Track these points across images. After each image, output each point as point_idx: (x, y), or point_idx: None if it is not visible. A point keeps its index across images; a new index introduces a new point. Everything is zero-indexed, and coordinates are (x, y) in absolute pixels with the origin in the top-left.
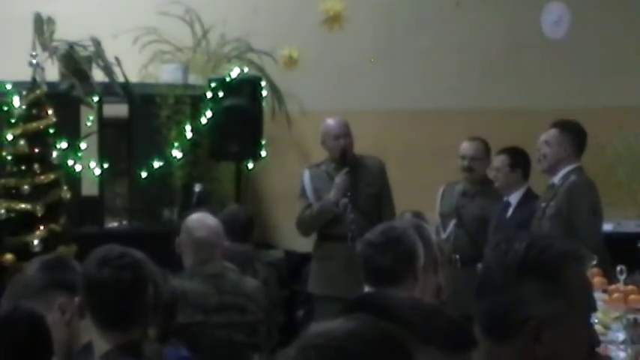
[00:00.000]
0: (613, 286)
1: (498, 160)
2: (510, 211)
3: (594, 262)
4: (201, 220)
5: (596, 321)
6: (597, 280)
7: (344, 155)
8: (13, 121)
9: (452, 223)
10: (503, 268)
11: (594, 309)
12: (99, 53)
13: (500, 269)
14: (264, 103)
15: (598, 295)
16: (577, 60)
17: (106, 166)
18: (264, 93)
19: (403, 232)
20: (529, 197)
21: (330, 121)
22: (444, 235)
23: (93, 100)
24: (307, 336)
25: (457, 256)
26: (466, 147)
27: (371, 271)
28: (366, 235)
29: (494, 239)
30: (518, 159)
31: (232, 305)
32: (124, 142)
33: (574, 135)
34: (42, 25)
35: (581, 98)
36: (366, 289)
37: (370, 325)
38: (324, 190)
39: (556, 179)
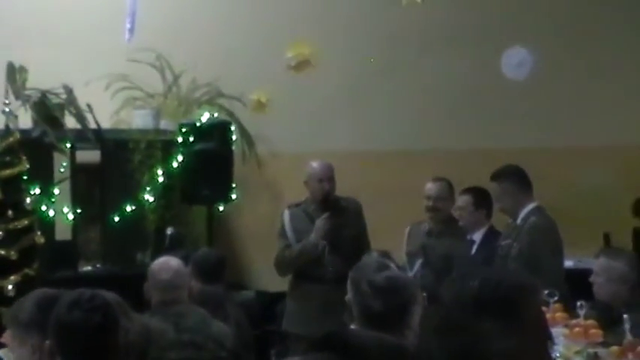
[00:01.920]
0: (574, 321)
1: (462, 200)
2: (474, 248)
3: (556, 298)
4: (164, 263)
5: (557, 355)
6: (559, 315)
7: (326, 198)
8: None
9: (418, 262)
10: (460, 306)
11: (551, 339)
12: (71, 100)
13: (456, 307)
14: (234, 147)
15: (560, 330)
16: (538, 101)
17: (79, 210)
18: (234, 137)
19: (407, 284)
20: (492, 235)
21: (315, 164)
22: (410, 274)
23: (66, 147)
24: None
25: (424, 294)
26: (431, 187)
27: (362, 311)
28: (370, 273)
29: (449, 278)
30: (482, 198)
31: (190, 343)
32: (96, 186)
33: (516, 178)
34: (14, 74)
35: (543, 138)
36: (353, 326)
37: None
38: (304, 231)
39: (518, 220)
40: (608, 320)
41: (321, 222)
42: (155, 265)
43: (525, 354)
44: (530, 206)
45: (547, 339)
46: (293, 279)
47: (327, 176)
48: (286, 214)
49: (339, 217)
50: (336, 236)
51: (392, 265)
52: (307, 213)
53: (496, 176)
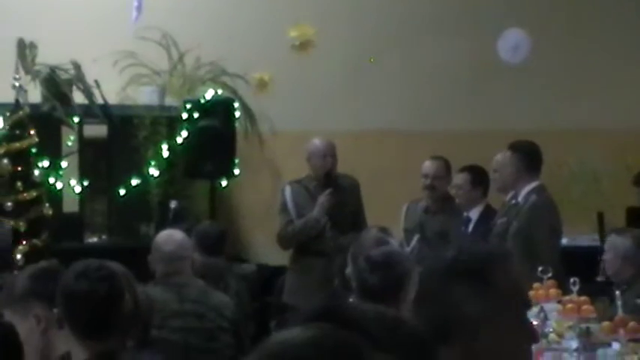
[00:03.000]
0: (567, 297)
1: (460, 178)
2: (471, 226)
3: (549, 275)
4: (169, 235)
5: (550, 330)
6: (552, 291)
7: (329, 175)
8: None
9: (415, 238)
10: (436, 275)
11: (528, 306)
12: (79, 76)
13: (433, 277)
14: (237, 124)
15: (553, 306)
16: (535, 84)
17: (85, 184)
18: (237, 114)
19: (403, 260)
20: (488, 213)
21: (318, 142)
22: (407, 249)
23: (73, 121)
24: (265, 344)
25: (420, 269)
26: (428, 166)
27: (359, 285)
28: (368, 248)
29: (434, 253)
30: (479, 177)
31: (191, 312)
32: (103, 161)
33: (526, 155)
34: (24, 50)
35: (539, 120)
36: (351, 299)
37: (329, 333)
38: (305, 207)
39: (519, 198)
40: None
41: (323, 198)
42: (160, 238)
43: (500, 318)
44: (533, 185)
45: (524, 306)
46: (294, 253)
47: (331, 153)
48: (287, 190)
49: (339, 194)
50: (337, 212)
51: (392, 240)
52: (308, 189)
53: (512, 146)
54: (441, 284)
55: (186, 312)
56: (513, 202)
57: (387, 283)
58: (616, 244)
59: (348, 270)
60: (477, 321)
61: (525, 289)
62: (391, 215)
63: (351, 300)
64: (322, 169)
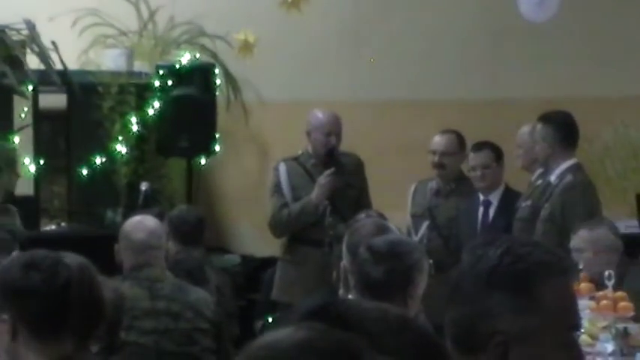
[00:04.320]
0: (601, 293)
1: (483, 156)
2: (492, 211)
3: (580, 267)
4: (139, 222)
5: (582, 330)
6: (584, 286)
7: (331, 154)
8: None
9: (424, 225)
10: (474, 275)
11: (576, 328)
12: (33, 37)
13: (470, 277)
14: (217, 93)
15: (585, 303)
16: (562, 46)
17: (41, 162)
18: (218, 81)
19: (412, 248)
20: (510, 195)
21: (321, 115)
22: (416, 238)
23: (27, 90)
24: (250, 348)
25: (430, 261)
26: (437, 141)
27: (361, 279)
28: (369, 236)
29: (473, 242)
30: (500, 153)
31: (165, 311)
32: (61, 136)
33: (561, 128)
34: None
35: (566, 88)
36: (350, 296)
37: (322, 335)
38: (302, 188)
39: (552, 177)
40: None
41: (325, 179)
42: (128, 224)
43: (537, 339)
44: (569, 163)
45: (572, 328)
46: (287, 242)
47: (336, 130)
48: (282, 168)
49: (342, 175)
50: (339, 196)
51: (392, 227)
52: (306, 168)
53: (544, 118)
54: (476, 287)
55: (158, 311)
56: (539, 181)
57: (393, 277)
58: (592, 239)
59: (344, 262)
60: (510, 338)
61: (576, 310)
62: (396, 197)
63: (350, 297)
64: (324, 146)
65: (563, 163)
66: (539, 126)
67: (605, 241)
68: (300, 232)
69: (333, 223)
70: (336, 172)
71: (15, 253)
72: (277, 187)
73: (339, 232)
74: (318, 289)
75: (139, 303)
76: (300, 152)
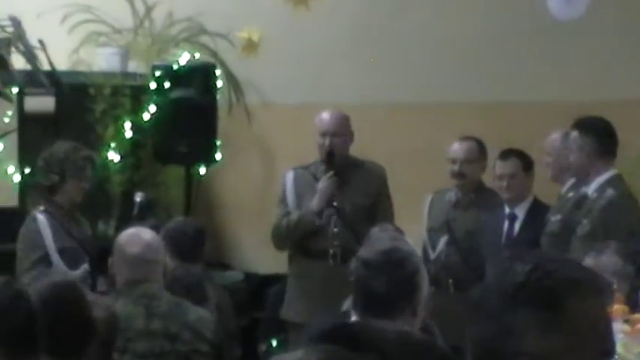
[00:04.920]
0: (637, 315)
1: (510, 165)
2: (517, 226)
3: (614, 287)
4: (135, 234)
5: (615, 357)
6: (618, 308)
7: (330, 157)
8: None
9: (442, 240)
10: (499, 292)
11: (610, 353)
12: (19, 35)
13: (495, 293)
14: (218, 95)
15: (618, 326)
16: (591, 45)
17: (27, 171)
18: (219, 83)
19: (408, 254)
20: (538, 208)
21: (323, 115)
22: (433, 255)
23: (12, 92)
24: None
25: (450, 280)
26: (457, 149)
27: (362, 297)
28: (361, 251)
29: (498, 258)
30: (529, 162)
31: (161, 332)
32: (49, 141)
33: (600, 136)
34: None
35: (596, 89)
36: (354, 317)
37: (338, 358)
38: (309, 197)
39: (589, 190)
40: None
41: (323, 183)
42: (122, 237)
43: None
44: (609, 174)
45: (605, 354)
46: (291, 254)
47: (333, 129)
48: (290, 176)
49: (351, 180)
50: (346, 203)
51: (409, 242)
52: (315, 176)
53: (581, 125)
54: (501, 304)
55: (154, 331)
56: (571, 194)
57: (396, 287)
58: (597, 266)
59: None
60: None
61: (609, 334)
62: (411, 210)
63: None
64: (321, 148)
65: (601, 175)
66: (574, 134)
67: (611, 269)
68: (304, 243)
69: (340, 233)
70: (340, 176)
71: None
72: (282, 196)
73: (346, 244)
74: (322, 305)
75: (133, 322)
76: (313, 161)
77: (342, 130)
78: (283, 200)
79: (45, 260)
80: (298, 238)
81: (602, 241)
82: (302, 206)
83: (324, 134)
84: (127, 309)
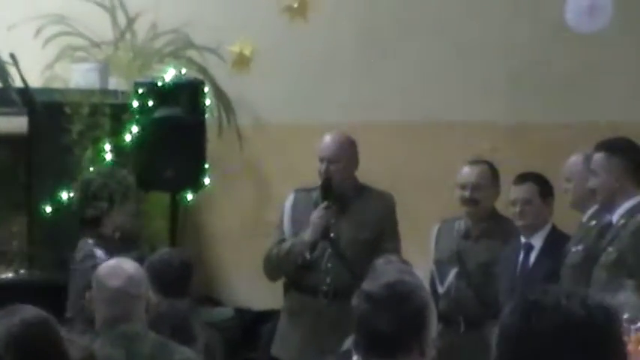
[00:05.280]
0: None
1: (525, 190)
2: (533, 256)
3: (639, 325)
4: (115, 266)
5: None
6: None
7: (326, 185)
8: None
9: (452, 273)
10: (535, 337)
11: None
12: None
13: (529, 338)
14: (207, 115)
15: None
16: (613, 61)
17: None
18: (208, 101)
19: (415, 288)
20: (557, 238)
21: (325, 137)
22: (441, 289)
23: None
24: None
25: (460, 317)
26: (467, 173)
27: (364, 335)
28: (365, 284)
29: (514, 297)
30: (548, 186)
31: None
32: (21, 165)
33: (629, 159)
34: None
35: (624, 109)
36: (355, 358)
37: None
38: (307, 224)
39: (614, 217)
40: None
41: (317, 214)
42: (102, 269)
43: None
44: (636, 200)
45: None
46: (285, 288)
47: (329, 155)
48: (289, 199)
49: (350, 210)
50: (344, 236)
51: (418, 273)
52: (317, 201)
53: (606, 146)
54: (544, 351)
55: None
56: (593, 222)
57: (403, 324)
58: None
59: None
60: None
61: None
62: (416, 239)
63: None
64: (319, 174)
65: (628, 200)
66: (600, 156)
67: (627, 312)
68: (296, 276)
69: (333, 269)
70: (338, 207)
71: None
72: (280, 221)
73: (339, 280)
74: (314, 343)
75: None
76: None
77: (341, 156)
78: (280, 226)
79: None
80: (291, 271)
81: (631, 269)
82: (298, 234)
83: (321, 160)
84: (106, 351)
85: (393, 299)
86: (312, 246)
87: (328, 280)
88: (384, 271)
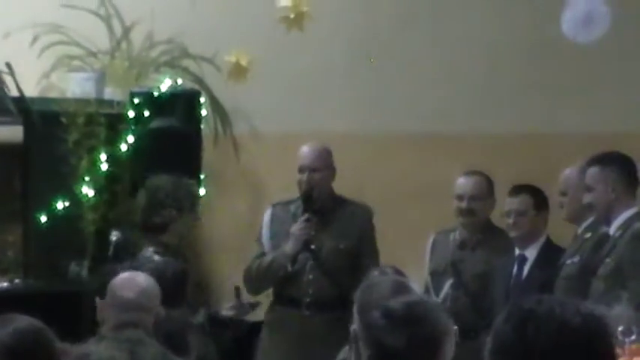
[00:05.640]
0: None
1: (519, 202)
2: (527, 268)
3: (633, 338)
4: (130, 278)
5: None
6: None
7: (308, 196)
8: None
9: (447, 284)
10: (528, 353)
11: None
12: None
13: (524, 347)
14: (203, 125)
15: None
16: (611, 71)
17: None
18: (204, 111)
19: (434, 309)
20: (551, 250)
21: (304, 148)
22: (437, 299)
23: None
24: None
25: (455, 327)
26: (464, 184)
27: (378, 352)
28: (384, 297)
29: (508, 306)
30: (542, 198)
31: None
32: (17, 175)
33: (624, 171)
34: None
35: (617, 121)
36: None
37: None
38: (285, 236)
39: (611, 229)
40: None
41: (298, 226)
42: (118, 280)
43: None
44: (632, 211)
45: None
46: (270, 301)
47: (310, 165)
48: (267, 213)
49: (330, 221)
50: (325, 247)
51: (414, 286)
52: (296, 214)
53: (600, 159)
54: (540, 355)
55: None
56: (588, 234)
57: (415, 345)
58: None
59: (354, 327)
60: None
61: None
62: (409, 251)
63: None
64: (299, 185)
65: (624, 212)
66: (594, 170)
67: (625, 323)
68: (279, 289)
69: (315, 280)
70: (319, 218)
71: None
72: (259, 236)
73: (321, 292)
74: (297, 357)
75: None
76: (298, 196)
77: (322, 165)
78: (258, 240)
79: None
80: (273, 284)
81: (632, 278)
82: (278, 246)
83: (301, 170)
84: (110, 353)
85: (410, 318)
86: (294, 258)
87: (310, 291)
88: (380, 281)
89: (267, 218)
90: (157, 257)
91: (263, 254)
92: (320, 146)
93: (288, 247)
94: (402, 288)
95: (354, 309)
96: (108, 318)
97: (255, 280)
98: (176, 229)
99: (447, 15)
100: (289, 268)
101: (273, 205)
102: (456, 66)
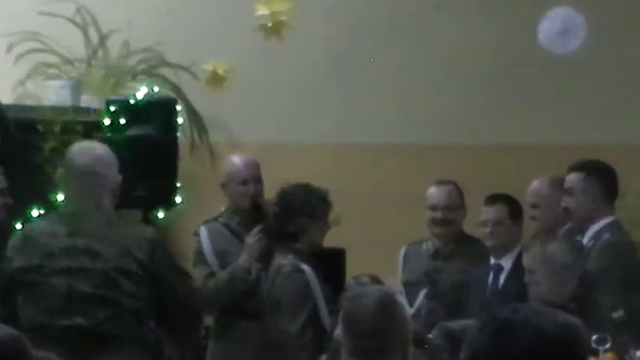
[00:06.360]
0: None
1: (494, 211)
2: (503, 277)
3: (607, 346)
4: (87, 147)
5: None
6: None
7: (257, 206)
8: None
9: (421, 294)
10: (505, 352)
11: None
12: None
13: (500, 356)
14: (180, 133)
15: None
16: (587, 84)
17: None
18: (181, 120)
19: (396, 300)
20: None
21: (237, 160)
22: (411, 310)
23: None
24: None
25: (430, 336)
26: (437, 194)
27: (355, 335)
28: (350, 288)
29: (483, 316)
30: (518, 208)
31: (84, 249)
32: None
33: (605, 180)
34: None
35: (592, 132)
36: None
37: None
38: (230, 253)
39: (584, 239)
40: None
41: (253, 239)
42: (74, 148)
43: None
44: (606, 220)
45: None
46: (219, 315)
47: (253, 175)
48: (203, 232)
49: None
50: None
51: (401, 297)
52: (231, 228)
53: (583, 167)
54: None
55: (75, 249)
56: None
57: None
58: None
59: (337, 332)
60: None
61: None
62: (387, 260)
63: None
64: (246, 198)
65: (599, 222)
66: (577, 176)
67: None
68: (232, 303)
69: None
70: (267, 229)
71: None
72: (200, 256)
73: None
74: None
75: (54, 240)
76: (222, 210)
77: (260, 177)
78: (201, 260)
79: (315, 314)
80: (233, 299)
81: (599, 287)
82: (225, 263)
83: (245, 181)
84: (50, 226)
85: (380, 304)
86: (249, 270)
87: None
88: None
89: (205, 236)
90: (302, 264)
91: (212, 273)
92: (251, 158)
93: (242, 259)
94: (389, 299)
95: (339, 317)
96: (63, 191)
97: (215, 298)
98: (308, 236)
99: (426, 27)
100: (251, 280)
101: (204, 223)
102: (434, 78)
